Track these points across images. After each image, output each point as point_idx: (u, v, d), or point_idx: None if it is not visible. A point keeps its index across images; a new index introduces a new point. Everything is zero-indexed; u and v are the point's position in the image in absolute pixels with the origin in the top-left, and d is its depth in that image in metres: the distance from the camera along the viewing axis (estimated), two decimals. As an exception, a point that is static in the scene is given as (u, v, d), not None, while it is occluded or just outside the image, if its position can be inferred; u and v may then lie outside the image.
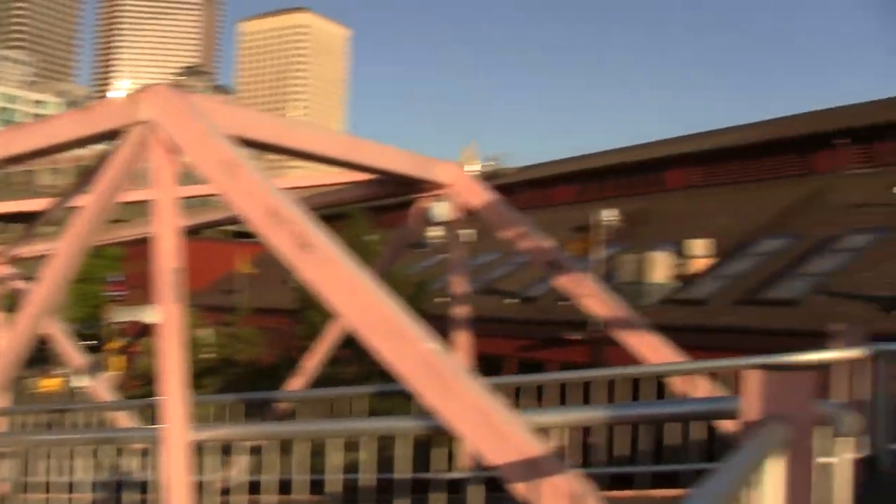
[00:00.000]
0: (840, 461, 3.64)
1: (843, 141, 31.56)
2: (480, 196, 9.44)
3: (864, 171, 30.68)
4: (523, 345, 26.74)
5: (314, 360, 10.61)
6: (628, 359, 8.91)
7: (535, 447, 4.61)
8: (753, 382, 3.23)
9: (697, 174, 36.68)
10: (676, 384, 8.21)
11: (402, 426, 5.71)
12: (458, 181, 9.50)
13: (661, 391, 8.67)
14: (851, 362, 7.74)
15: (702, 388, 8.03)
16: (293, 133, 8.06)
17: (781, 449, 3.17)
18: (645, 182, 38.67)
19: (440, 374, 4.98)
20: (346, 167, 8.92)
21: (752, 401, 3.23)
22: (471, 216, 9.78)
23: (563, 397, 8.58)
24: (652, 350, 8.40)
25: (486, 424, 4.74)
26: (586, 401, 8.33)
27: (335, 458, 7.08)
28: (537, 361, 25.33)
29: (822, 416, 3.35)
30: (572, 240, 30.16)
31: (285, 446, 7.38)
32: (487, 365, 27.94)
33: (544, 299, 27.04)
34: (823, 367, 7.37)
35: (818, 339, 8.27)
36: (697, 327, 22.58)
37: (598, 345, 21.40)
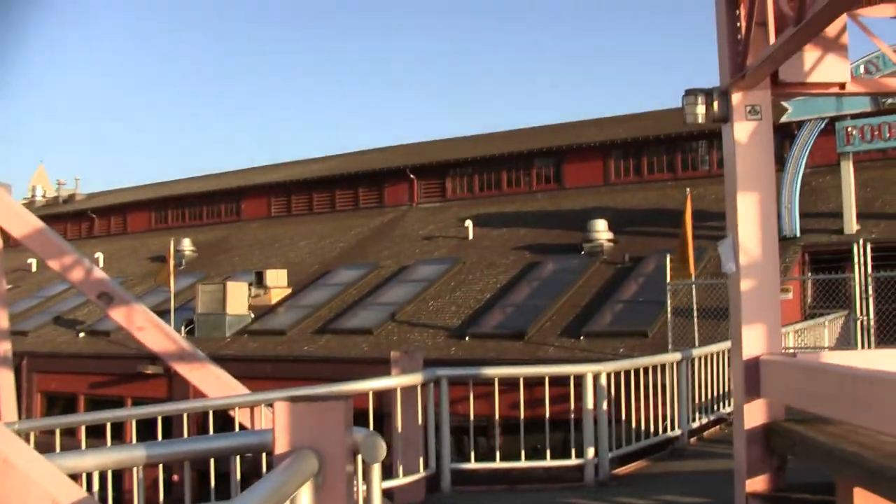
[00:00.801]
0: (373, 486, 3.63)
1: (415, 176, 33.37)
2: (22, 223, 8.59)
3: (435, 203, 32.58)
4: (97, 380, 25.39)
5: None
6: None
7: (63, 494, 4.20)
8: (283, 414, 3.13)
9: (277, 204, 37.09)
10: (240, 416, 8.02)
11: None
12: (-3, 207, 8.58)
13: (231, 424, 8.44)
14: (412, 387, 7.97)
15: (266, 419, 7.90)
16: None
17: (312, 478, 3.08)
18: (224, 211, 38.48)
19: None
20: None
21: (282, 432, 3.13)
22: (13, 244, 8.97)
23: (139, 434, 8.10)
24: (213, 382, 8.15)
25: (3, 473, 4.26)
26: (166, 436, 7.91)
27: None
28: (113, 397, 24.13)
29: (353, 444, 3.32)
30: (151, 268, 29.22)
31: None
32: (55, 404, 26.16)
33: (120, 331, 25.89)
34: (347, 397, 7.47)
35: (387, 366, 8.46)
36: (276, 357, 22.68)
37: (179, 378, 20.78)
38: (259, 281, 26.91)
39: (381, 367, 9.36)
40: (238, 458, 5.11)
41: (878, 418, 4.83)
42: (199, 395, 8.61)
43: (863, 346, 15.41)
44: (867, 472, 4.76)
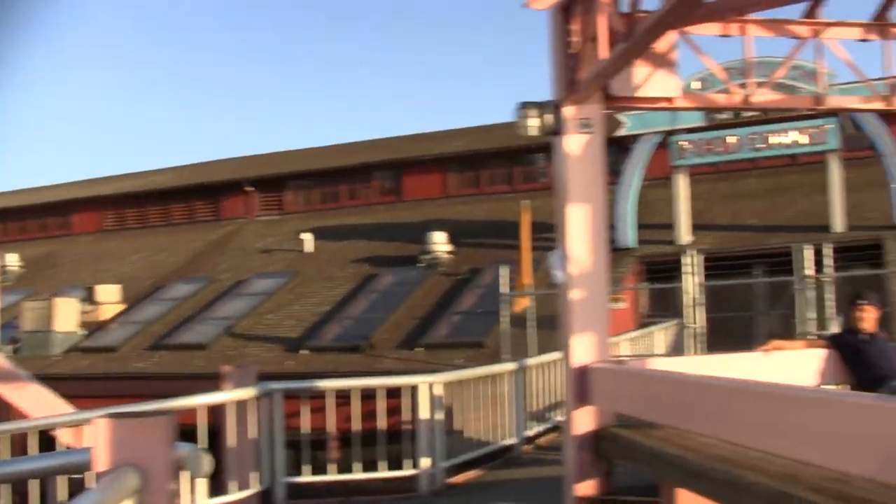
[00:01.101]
0: (198, 501, 3.55)
1: (253, 189, 32.95)
2: None
3: (272, 217, 32.22)
4: None
5: None
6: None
7: None
8: (103, 431, 3.03)
9: (108, 217, 35.95)
10: (65, 437, 7.71)
11: None
12: None
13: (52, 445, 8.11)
14: (244, 401, 7.86)
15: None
16: None
17: (135, 496, 2.99)
18: (52, 225, 37.06)
19: None
20: None
21: (101, 450, 3.02)
22: None
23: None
24: (36, 402, 7.82)
25: None
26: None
27: None
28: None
29: (177, 459, 3.23)
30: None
31: None
32: None
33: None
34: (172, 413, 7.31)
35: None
36: (108, 375, 21.95)
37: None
38: (90, 296, 26.01)
39: (215, 382, 9.19)
40: (66, 479, 4.92)
41: (700, 421, 5.02)
42: (22, 415, 8.25)
43: (693, 353, 15.96)
44: (688, 474, 4.93)
